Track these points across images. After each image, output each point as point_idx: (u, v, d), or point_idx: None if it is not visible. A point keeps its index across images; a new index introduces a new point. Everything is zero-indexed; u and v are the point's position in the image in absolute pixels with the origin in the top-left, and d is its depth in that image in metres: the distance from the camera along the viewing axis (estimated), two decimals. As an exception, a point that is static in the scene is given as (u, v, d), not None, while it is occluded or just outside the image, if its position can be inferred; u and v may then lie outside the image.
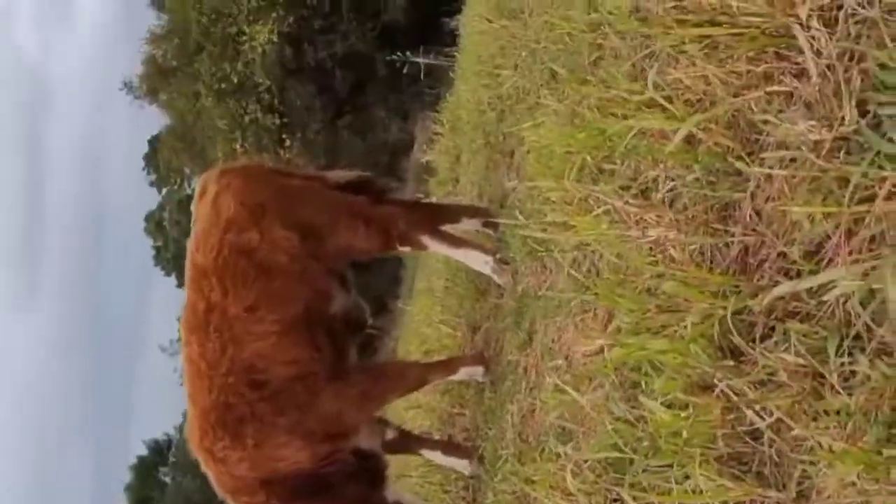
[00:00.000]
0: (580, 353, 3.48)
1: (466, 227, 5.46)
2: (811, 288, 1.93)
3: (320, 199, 4.85)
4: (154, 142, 40.23)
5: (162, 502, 39.58)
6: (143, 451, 44.49)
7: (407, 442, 5.33)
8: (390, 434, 5.10)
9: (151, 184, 44.71)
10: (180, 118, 29.79)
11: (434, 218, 5.26)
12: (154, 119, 35.53)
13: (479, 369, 5.27)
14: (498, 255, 5.07)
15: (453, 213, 5.60)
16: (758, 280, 2.17)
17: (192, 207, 4.78)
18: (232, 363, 4.32)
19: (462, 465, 5.26)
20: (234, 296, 4.36)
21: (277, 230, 4.49)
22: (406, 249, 5.10)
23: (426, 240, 5.01)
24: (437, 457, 5.47)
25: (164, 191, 44.47)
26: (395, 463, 6.33)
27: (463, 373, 5.32)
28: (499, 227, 5.34)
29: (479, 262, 5.20)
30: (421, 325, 8.45)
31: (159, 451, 44.39)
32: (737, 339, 2.11)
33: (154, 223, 45.95)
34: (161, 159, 39.12)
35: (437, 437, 6.06)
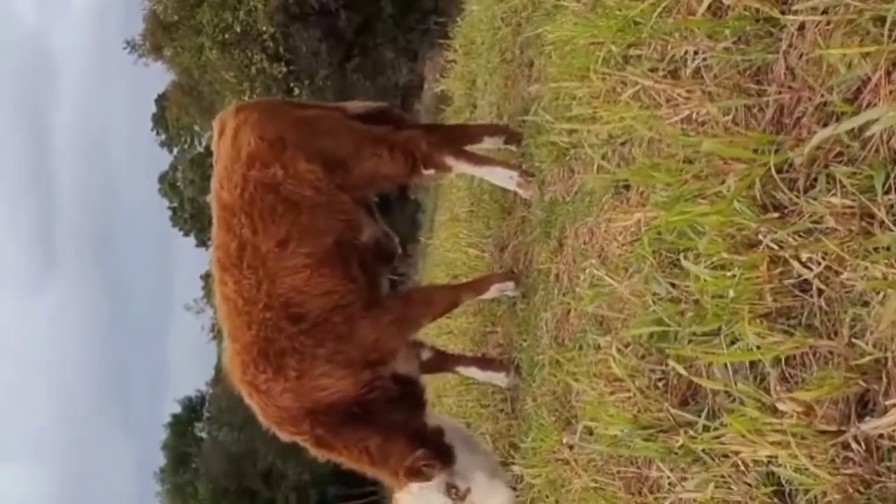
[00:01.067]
0: (615, 245, 3.51)
1: (488, 145, 5.44)
2: (852, 130, 1.94)
3: (341, 128, 4.84)
4: (161, 100, 40.12)
5: (199, 457, 40.06)
6: (178, 410, 44.97)
7: (442, 360, 5.37)
8: (426, 354, 5.15)
9: (162, 144, 44.72)
10: (186, 73, 29.63)
11: (456, 138, 5.26)
12: (159, 78, 35.43)
13: (510, 284, 5.29)
14: (523, 166, 5.07)
15: (474, 132, 5.58)
16: (797, 135, 2.18)
17: (213, 147, 4.80)
18: (269, 298, 4.35)
19: (499, 378, 5.30)
20: (264, 232, 4.38)
21: (301, 163, 4.49)
22: (430, 172, 5.06)
23: (450, 160, 4.99)
24: (473, 373, 5.52)
25: (176, 150, 44.48)
26: (431, 385, 6.40)
27: (495, 290, 5.34)
28: (521, 141, 5.34)
29: (504, 177, 5.19)
30: (447, 253, 8.45)
31: (193, 408, 44.86)
32: (780, 194, 2.12)
33: (168, 184, 45.97)
34: (169, 118, 39.04)
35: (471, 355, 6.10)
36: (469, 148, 5.21)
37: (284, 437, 4.57)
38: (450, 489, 4.40)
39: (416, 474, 4.34)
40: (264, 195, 4.43)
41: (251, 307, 4.36)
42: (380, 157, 4.76)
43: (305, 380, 4.37)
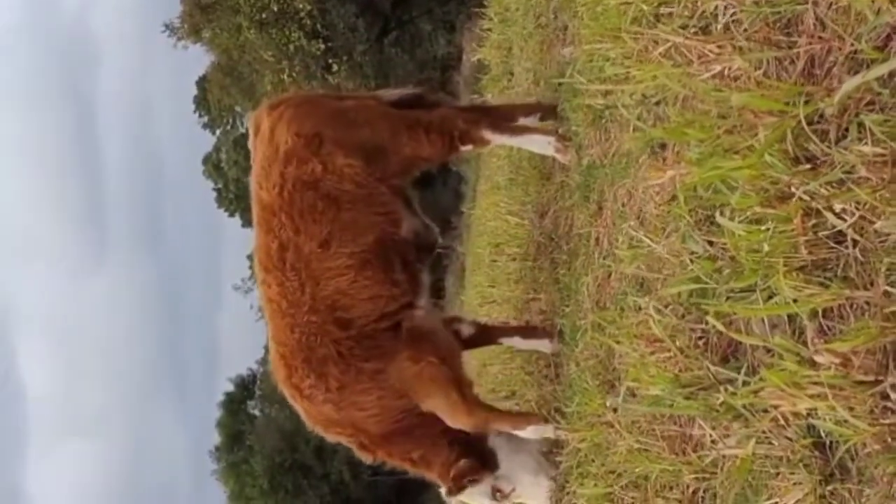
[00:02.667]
0: (652, 206, 3.50)
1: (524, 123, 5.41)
2: (882, 77, 1.92)
3: (376, 116, 4.78)
4: (202, 82, 40.29)
5: (253, 434, 40.44)
6: (231, 388, 45.35)
7: (484, 334, 5.35)
8: (467, 330, 5.12)
9: (204, 126, 44.91)
10: (225, 54, 29.70)
11: (491, 114, 5.23)
12: (199, 60, 35.58)
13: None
14: (560, 131, 5.05)
15: (508, 111, 5.53)
16: (827, 85, 2.16)
17: (249, 145, 4.77)
18: (314, 301, 4.34)
19: (543, 345, 5.29)
20: (305, 232, 4.36)
21: (339, 158, 4.45)
22: (468, 148, 5.03)
23: (487, 134, 4.95)
24: (516, 342, 5.51)
25: (218, 131, 44.66)
26: (475, 355, 6.42)
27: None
28: (557, 114, 5.30)
29: (542, 144, 5.17)
30: (488, 222, 8.46)
31: (245, 387, 45.21)
32: (812, 145, 2.10)
33: (212, 165, 46.18)
34: (211, 99, 39.18)
35: (514, 324, 6.10)
36: None
37: (330, 438, 4.61)
38: (494, 492, 4.44)
39: (460, 490, 4.38)
40: (303, 193, 4.40)
41: (295, 310, 4.37)
42: (418, 142, 4.73)
43: (346, 393, 4.39)
